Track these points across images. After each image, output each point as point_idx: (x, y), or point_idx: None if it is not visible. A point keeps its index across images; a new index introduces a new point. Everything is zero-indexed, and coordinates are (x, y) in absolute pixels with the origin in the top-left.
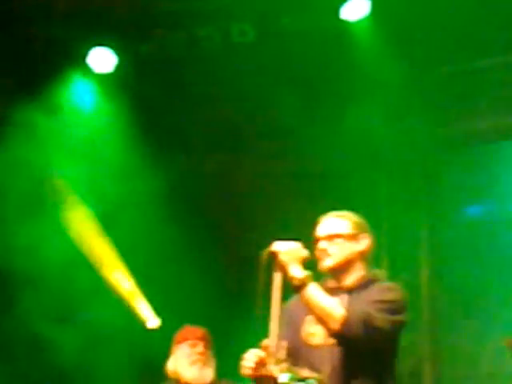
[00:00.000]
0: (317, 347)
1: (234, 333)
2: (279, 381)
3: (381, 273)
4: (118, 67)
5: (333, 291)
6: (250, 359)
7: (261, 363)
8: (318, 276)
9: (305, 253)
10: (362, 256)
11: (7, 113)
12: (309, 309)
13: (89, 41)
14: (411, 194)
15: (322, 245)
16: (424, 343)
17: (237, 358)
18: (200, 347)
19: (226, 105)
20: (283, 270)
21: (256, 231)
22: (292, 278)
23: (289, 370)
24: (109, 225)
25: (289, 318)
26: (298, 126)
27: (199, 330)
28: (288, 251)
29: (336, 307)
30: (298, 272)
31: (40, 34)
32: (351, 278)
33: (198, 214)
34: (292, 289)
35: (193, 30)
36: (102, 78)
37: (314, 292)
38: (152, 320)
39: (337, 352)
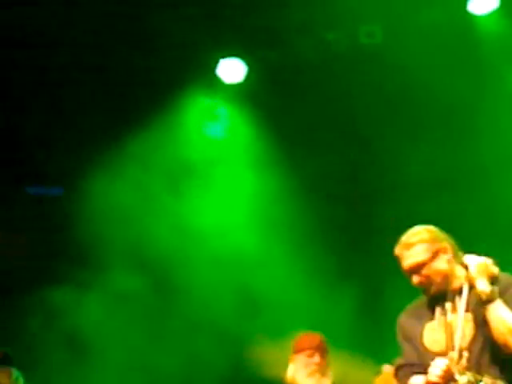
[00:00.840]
0: (440, 354)
1: None
2: None
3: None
4: (248, 76)
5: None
6: (439, 367)
7: (448, 372)
8: None
9: (495, 270)
10: (453, 262)
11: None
12: (492, 323)
13: (218, 51)
14: None
15: (414, 280)
16: None
17: None
18: (317, 357)
19: (357, 104)
20: (471, 282)
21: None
22: (480, 293)
23: (473, 378)
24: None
25: (404, 334)
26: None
27: (315, 339)
28: (479, 265)
29: None
30: (485, 287)
31: (170, 43)
32: (455, 284)
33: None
34: (480, 302)
35: (321, 35)
36: (233, 88)
37: (500, 308)
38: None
39: (474, 356)
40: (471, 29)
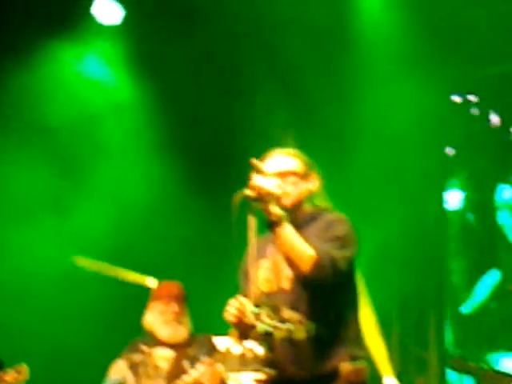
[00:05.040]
0: (271, 293)
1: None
2: (257, 329)
3: (325, 205)
4: (125, 19)
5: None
6: (233, 305)
7: (242, 310)
8: None
9: (279, 191)
10: (311, 194)
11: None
12: (280, 248)
13: None
14: None
15: (274, 182)
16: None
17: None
18: (174, 306)
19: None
20: (261, 207)
21: None
22: (271, 215)
23: (267, 317)
24: None
25: (244, 269)
26: None
27: (173, 288)
28: (264, 189)
29: (307, 249)
30: (276, 209)
31: None
32: (300, 216)
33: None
34: (268, 227)
35: None
36: (110, 30)
37: (289, 231)
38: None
39: (294, 296)
40: None
